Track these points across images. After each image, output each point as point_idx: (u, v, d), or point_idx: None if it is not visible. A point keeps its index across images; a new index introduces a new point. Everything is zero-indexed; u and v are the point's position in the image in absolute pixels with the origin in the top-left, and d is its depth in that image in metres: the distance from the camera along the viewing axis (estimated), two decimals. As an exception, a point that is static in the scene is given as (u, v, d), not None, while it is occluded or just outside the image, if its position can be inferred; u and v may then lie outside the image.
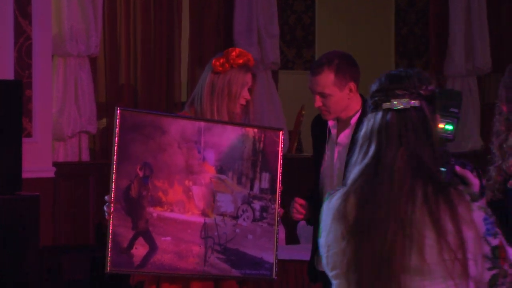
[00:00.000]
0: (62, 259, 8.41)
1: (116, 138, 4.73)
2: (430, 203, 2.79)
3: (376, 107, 2.95)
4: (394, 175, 2.84)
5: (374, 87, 2.99)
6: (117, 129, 4.74)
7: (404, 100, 2.90)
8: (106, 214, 4.77)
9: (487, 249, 2.82)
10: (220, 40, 9.38)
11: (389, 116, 2.91)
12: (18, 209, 7.76)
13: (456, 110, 3.00)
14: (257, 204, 4.95)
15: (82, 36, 8.96)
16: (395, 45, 12.24)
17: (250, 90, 5.23)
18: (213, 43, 9.33)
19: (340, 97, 5.01)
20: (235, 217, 4.96)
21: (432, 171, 2.85)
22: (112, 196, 4.73)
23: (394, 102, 2.91)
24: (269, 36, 9.79)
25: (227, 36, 9.65)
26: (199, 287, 5.02)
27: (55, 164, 8.71)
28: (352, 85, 5.00)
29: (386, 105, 2.92)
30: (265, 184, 5.03)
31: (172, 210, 4.82)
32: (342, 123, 5.13)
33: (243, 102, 5.19)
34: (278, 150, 5.08)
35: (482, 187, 3.01)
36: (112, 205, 4.73)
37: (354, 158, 2.96)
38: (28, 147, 8.19)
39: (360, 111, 5.04)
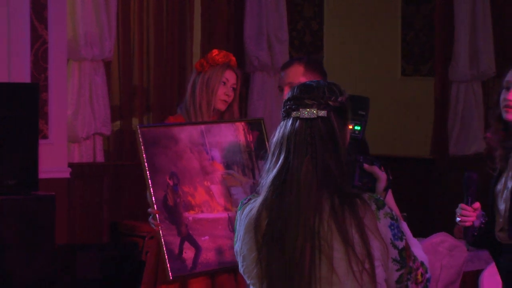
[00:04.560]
0: (76, 257, 8.43)
1: (144, 154, 4.85)
2: (337, 215, 2.82)
3: (288, 115, 2.97)
4: (301, 186, 2.85)
5: (287, 95, 3.02)
6: (142, 146, 4.86)
7: (312, 110, 2.91)
8: (153, 226, 4.87)
9: (395, 253, 2.87)
10: (231, 44, 9.43)
11: (297, 124, 2.93)
12: (34, 209, 7.82)
13: (363, 113, 3.12)
14: None
15: (96, 40, 9.01)
16: (401, 50, 12.24)
17: (234, 90, 5.35)
18: (224, 47, 9.40)
19: None
20: None
21: (338, 181, 2.87)
22: (155, 208, 4.82)
23: (303, 112, 2.93)
24: (279, 41, 9.84)
25: (238, 41, 9.72)
26: (198, 284, 5.09)
27: (70, 165, 8.75)
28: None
29: (295, 113, 2.94)
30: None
31: (202, 211, 4.96)
32: None
33: (224, 98, 5.31)
34: (264, 138, 5.14)
35: (388, 180, 3.11)
36: (157, 217, 4.82)
37: (267, 166, 2.98)
38: (44, 148, 8.27)
39: None
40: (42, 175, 8.05)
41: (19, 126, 7.87)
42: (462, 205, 4.48)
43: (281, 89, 5.16)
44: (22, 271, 7.69)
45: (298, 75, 5.04)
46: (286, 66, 5.19)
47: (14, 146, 7.85)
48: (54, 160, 8.51)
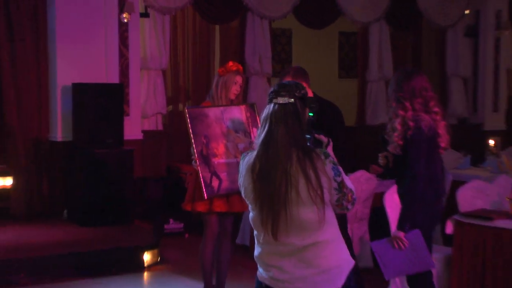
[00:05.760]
0: (147, 184, 8.50)
1: (189, 124, 4.83)
2: (301, 162, 2.79)
3: (270, 101, 2.90)
4: (279, 145, 2.80)
5: (270, 89, 2.94)
6: (188, 120, 4.83)
7: (285, 99, 2.86)
8: (195, 166, 4.87)
9: (335, 185, 2.83)
10: (237, 59, 9.38)
11: (276, 107, 2.86)
12: (122, 157, 7.87)
13: (314, 105, 2.97)
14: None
15: (157, 57, 8.93)
16: (338, 63, 12.28)
17: (241, 87, 5.23)
18: (233, 61, 9.46)
19: None
20: None
21: (301, 142, 2.83)
22: (196, 156, 4.82)
23: (280, 99, 2.87)
24: (265, 57, 9.75)
25: (241, 57, 9.61)
26: (219, 202, 5.11)
27: (142, 131, 8.74)
28: (304, 84, 4.84)
29: (275, 100, 2.88)
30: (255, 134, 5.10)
31: (222, 158, 4.92)
32: None
33: (235, 92, 5.20)
34: (257, 116, 5.06)
35: (328, 141, 3.04)
36: (197, 161, 4.83)
37: (258, 132, 2.91)
38: (127, 121, 8.28)
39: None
40: (126, 137, 8.10)
41: (113, 108, 7.89)
42: (379, 154, 4.56)
43: None
44: (115, 193, 7.75)
45: None
46: (281, 77, 4.86)
47: (110, 120, 7.88)
48: (133, 129, 8.49)
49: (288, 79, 4.73)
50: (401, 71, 4.56)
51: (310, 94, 4.77)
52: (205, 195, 4.86)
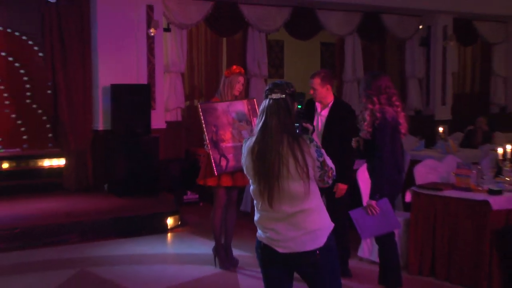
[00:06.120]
0: (169, 165, 8.44)
1: (202, 116, 4.77)
2: (290, 146, 2.74)
3: (266, 97, 2.83)
4: (273, 132, 2.75)
5: (266, 87, 2.86)
6: (201, 113, 4.78)
7: (278, 95, 2.80)
8: (207, 149, 4.80)
9: (318, 164, 2.77)
10: (241, 64, 9.38)
11: (271, 102, 2.80)
12: (149, 143, 7.79)
13: (302, 99, 2.89)
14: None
15: (177, 63, 8.89)
16: (320, 67, 12.15)
17: (243, 85, 5.18)
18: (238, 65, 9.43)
19: (322, 91, 4.74)
20: None
21: (291, 130, 2.78)
22: (207, 141, 4.77)
23: (273, 95, 2.81)
24: (263, 63, 9.69)
25: (243, 62, 9.56)
26: (226, 178, 5.05)
27: (166, 122, 8.68)
28: (328, 86, 4.72)
29: (270, 96, 2.81)
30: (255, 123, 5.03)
31: (229, 142, 4.86)
32: (323, 105, 4.82)
33: (238, 90, 5.13)
34: (256, 108, 5.00)
35: (313, 129, 2.93)
36: (208, 145, 4.77)
37: (257, 121, 2.84)
38: (154, 114, 8.23)
39: (333, 100, 4.74)
40: (153, 126, 8.06)
41: (142, 104, 7.83)
42: (353, 139, 4.54)
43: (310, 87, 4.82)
44: (145, 171, 7.68)
45: (317, 84, 4.74)
46: (312, 77, 4.75)
47: (140, 113, 7.83)
48: (158, 120, 8.43)
49: (317, 79, 4.70)
50: (369, 73, 4.58)
51: (331, 95, 4.73)
52: (215, 172, 4.82)
